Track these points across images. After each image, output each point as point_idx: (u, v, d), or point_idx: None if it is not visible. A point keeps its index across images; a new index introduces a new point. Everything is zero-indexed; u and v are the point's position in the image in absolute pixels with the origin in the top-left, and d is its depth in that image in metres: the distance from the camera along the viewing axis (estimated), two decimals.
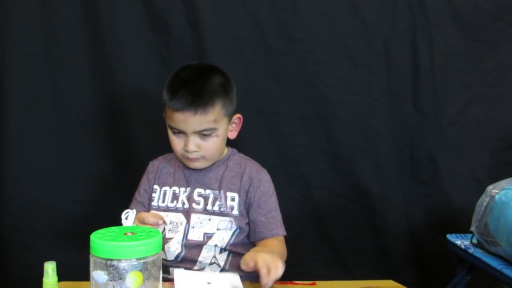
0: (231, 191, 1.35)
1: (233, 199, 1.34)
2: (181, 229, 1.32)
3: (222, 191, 1.34)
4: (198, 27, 1.72)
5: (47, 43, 1.72)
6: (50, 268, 0.88)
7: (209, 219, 1.32)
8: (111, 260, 0.74)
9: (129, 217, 0.83)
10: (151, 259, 0.76)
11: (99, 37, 1.72)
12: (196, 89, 1.27)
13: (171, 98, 1.27)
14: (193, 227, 1.32)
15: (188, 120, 1.26)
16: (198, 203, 1.34)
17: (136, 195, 1.42)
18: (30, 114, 1.73)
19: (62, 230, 1.75)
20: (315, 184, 1.83)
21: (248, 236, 1.35)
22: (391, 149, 1.84)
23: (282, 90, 1.79)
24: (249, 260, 1.06)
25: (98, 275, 0.74)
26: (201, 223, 1.32)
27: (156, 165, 1.43)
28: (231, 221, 1.32)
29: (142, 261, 0.75)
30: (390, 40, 1.80)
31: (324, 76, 1.79)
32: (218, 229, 1.32)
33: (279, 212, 1.38)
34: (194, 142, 1.28)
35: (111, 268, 0.74)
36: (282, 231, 1.36)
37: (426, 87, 1.84)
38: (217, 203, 1.33)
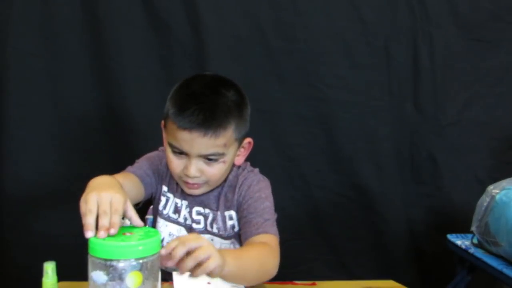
0: (228, 208, 1.19)
1: (231, 218, 1.19)
2: None
3: (219, 212, 1.19)
4: (198, 27, 1.72)
5: (47, 43, 1.72)
6: (50, 268, 0.87)
7: (212, 239, 1.19)
8: (111, 260, 0.74)
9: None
10: (150, 259, 0.76)
11: (99, 37, 1.72)
12: (208, 106, 1.08)
13: (178, 114, 1.08)
14: None
15: (195, 142, 1.07)
16: (199, 222, 1.21)
17: (136, 170, 1.20)
18: (30, 114, 1.73)
19: (62, 230, 1.75)
20: (315, 184, 1.83)
21: None
22: (391, 149, 1.84)
23: (282, 90, 1.79)
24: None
25: (97, 275, 0.74)
26: None
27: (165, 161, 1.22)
28: (232, 242, 1.20)
29: (141, 261, 0.75)
30: (390, 40, 1.81)
31: (324, 76, 1.79)
32: None
33: (273, 217, 1.17)
34: (196, 166, 1.10)
35: (111, 268, 0.74)
36: (272, 230, 1.12)
37: (426, 87, 1.84)
38: (215, 225, 1.20)
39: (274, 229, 1.13)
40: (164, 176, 1.22)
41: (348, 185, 1.84)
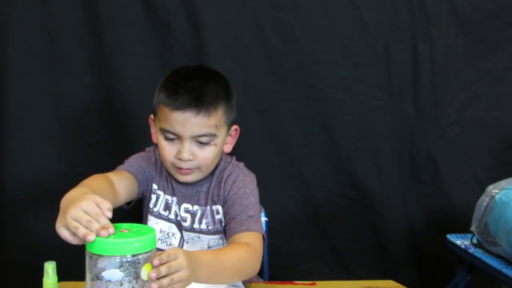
0: (215, 203, 1.20)
1: (218, 212, 1.20)
2: (175, 242, 1.22)
3: (208, 207, 1.21)
4: (198, 27, 1.72)
5: (47, 43, 1.72)
6: (50, 268, 0.87)
7: (199, 237, 1.22)
8: (126, 256, 0.74)
9: None
10: (153, 251, 0.78)
11: (99, 37, 1.72)
12: (199, 88, 1.12)
13: (170, 96, 1.11)
14: (187, 242, 1.22)
15: (188, 122, 1.10)
16: (185, 220, 1.22)
17: (128, 167, 1.20)
18: (30, 114, 1.73)
19: None
20: (315, 184, 1.83)
21: None
22: (391, 149, 1.84)
23: (282, 90, 1.79)
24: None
25: (112, 274, 0.74)
26: (192, 239, 1.23)
27: (156, 159, 1.24)
28: (221, 237, 1.22)
29: (151, 253, 0.77)
30: (390, 40, 1.81)
31: (324, 76, 1.79)
32: (209, 247, 1.22)
33: (257, 213, 1.18)
34: (189, 149, 1.12)
35: (127, 264, 0.74)
36: (256, 227, 1.13)
37: (426, 87, 1.84)
38: (204, 220, 1.21)
39: (258, 225, 1.14)
40: (154, 175, 1.23)
41: (348, 185, 1.84)
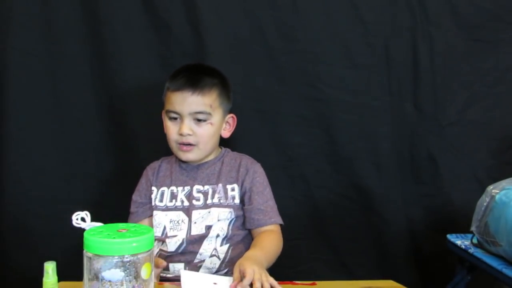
0: (230, 183, 1.40)
1: (233, 189, 1.39)
2: (184, 227, 1.36)
3: (220, 185, 1.39)
4: (198, 27, 1.72)
5: (47, 43, 1.72)
6: (50, 268, 0.88)
7: (209, 212, 1.36)
8: (124, 256, 0.74)
9: (85, 218, 0.83)
10: (151, 250, 0.79)
11: (99, 37, 1.72)
12: (196, 73, 1.38)
13: (172, 80, 1.38)
14: (195, 222, 1.36)
15: (185, 100, 1.34)
16: (198, 200, 1.38)
17: (137, 198, 1.45)
18: (30, 114, 1.73)
19: (62, 230, 1.74)
20: (315, 184, 1.83)
21: (243, 222, 1.39)
22: (391, 149, 1.84)
23: (282, 90, 1.79)
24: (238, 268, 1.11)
25: (113, 274, 0.74)
26: (202, 217, 1.36)
27: (153, 167, 1.47)
28: (230, 212, 1.37)
29: (150, 252, 0.78)
30: (390, 40, 1.80)
31: (324, 76, 1.79)
32: (218, 220, 1.36)
33: (275, 203, 1.42)
34: (188, 125, 1.35)
35: (127, 264, 0.74)
36: (279, 219, 1.39)
37: (426, 87, 1.83)
38: (217, 195, 1.38)
39: (279, 217, 1.39)
40: (152, 181, 1.44)
41: (348, 185, 1.84)
